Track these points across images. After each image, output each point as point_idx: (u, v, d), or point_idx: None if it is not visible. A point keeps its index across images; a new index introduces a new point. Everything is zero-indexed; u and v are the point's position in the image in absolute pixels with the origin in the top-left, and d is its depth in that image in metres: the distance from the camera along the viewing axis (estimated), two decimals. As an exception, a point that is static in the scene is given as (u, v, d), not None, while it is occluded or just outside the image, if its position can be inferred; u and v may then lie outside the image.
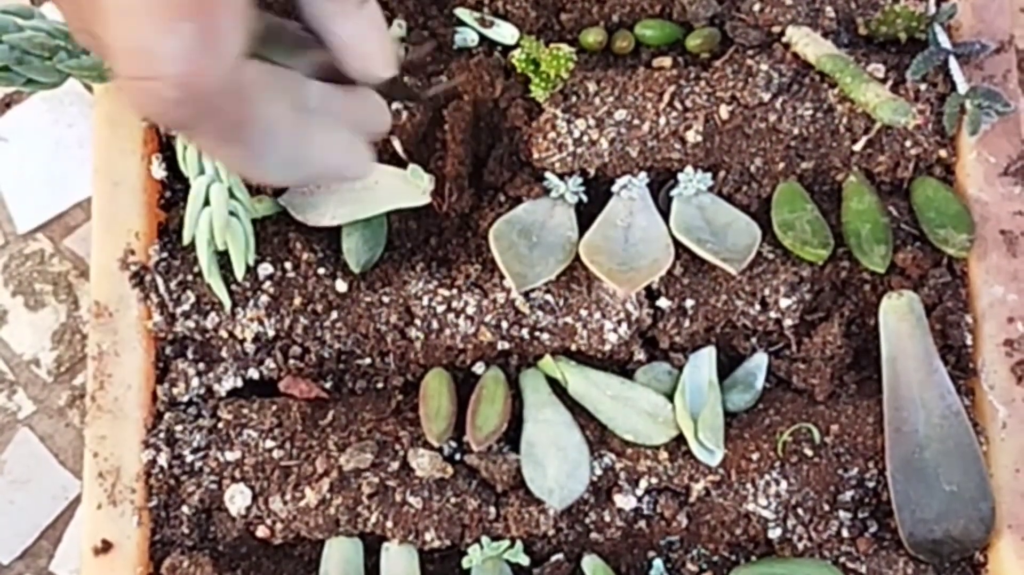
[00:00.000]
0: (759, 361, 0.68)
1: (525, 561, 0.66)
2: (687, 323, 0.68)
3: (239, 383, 0.68)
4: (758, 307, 0.67)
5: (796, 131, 0.68)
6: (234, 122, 0.40)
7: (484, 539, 0.66)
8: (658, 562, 0.67)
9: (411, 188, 0.67)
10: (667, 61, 0.71)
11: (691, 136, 0.68)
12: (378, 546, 0.66)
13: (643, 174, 0.69)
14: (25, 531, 0.77)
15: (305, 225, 0.69)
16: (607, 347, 0.67)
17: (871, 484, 0.66)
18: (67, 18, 0.41)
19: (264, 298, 0.66)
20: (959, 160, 0.70)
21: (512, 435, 0.66)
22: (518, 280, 0.65)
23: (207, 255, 0.64)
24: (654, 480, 0.66)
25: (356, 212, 0.66)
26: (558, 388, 0.68)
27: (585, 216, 0.68)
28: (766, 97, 0.68)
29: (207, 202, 0.63)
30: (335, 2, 0.45)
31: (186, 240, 0.65)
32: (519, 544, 0.66)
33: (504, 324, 0.67)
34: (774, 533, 0.66)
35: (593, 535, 0.66)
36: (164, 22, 0.36)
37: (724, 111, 0.68)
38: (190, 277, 0.67)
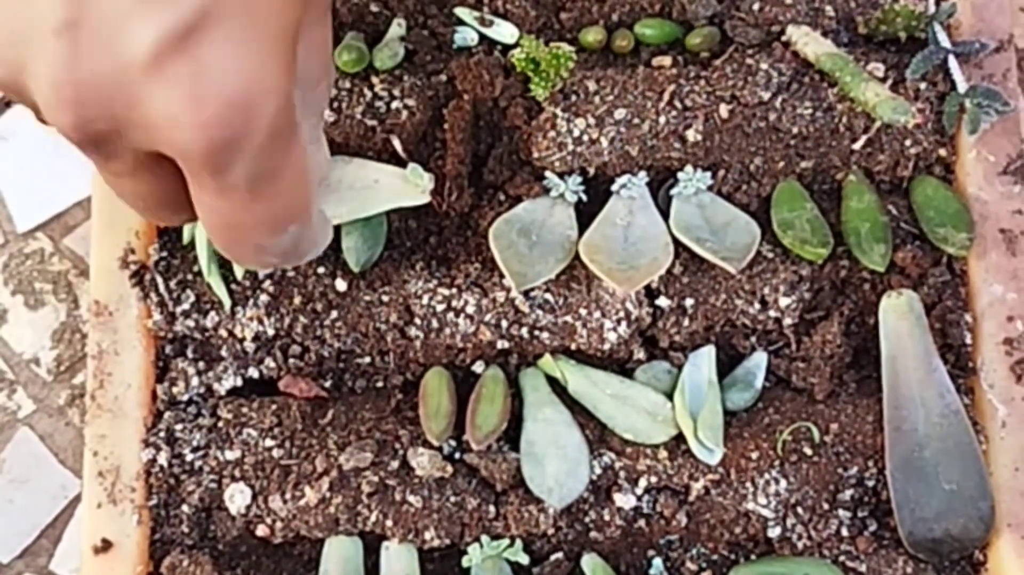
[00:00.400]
0: (759, 360, 0.68)
1: (525, 560, 0.66)
2: (687, 322, 0.68)
3: (239, 382, 0.68)
4: (758, 306, 0.67)
5: (796, 130, 0.68)
6: (311, 241, 0.46)
7: (484, 538, 0.66)
8: (657, 561, 0.67)
9: (411, 187, 0.67)
10: (667, 60, 0.71)
11: (691, 135, 0.68)
12: (378, 545, 0.66)
13: (643, 173, 0.69)
14: (25, 530, 0.77)
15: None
16: (607, 346, 0.67)
17: (871, 483, 0.66)
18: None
19: (264, 297, 0.66)
20: (959, 159, 0.70)
21: (512, 434, 0.67)
22: (518, 279, 0.65)
23: (207, 254, 0.64)
24: (653, 479, 0.66)
25: (356, 211, 0.66)
26: (558, 387, 0.68)
27: (585, 215, 0.68)
28: (766, 96, 0.68)
29: (207, 201, 0.63)
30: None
31: (186, 239, 0.65)
32: (519, 543, 0.66)
33: (504, 323, 0.67)
34: (773, 532, 0.66)
35: (593, 534, 0.66)
36: (278, 232, 0.41)
37: (724, 110, 0.68)
38: (190, 276, 0.67)
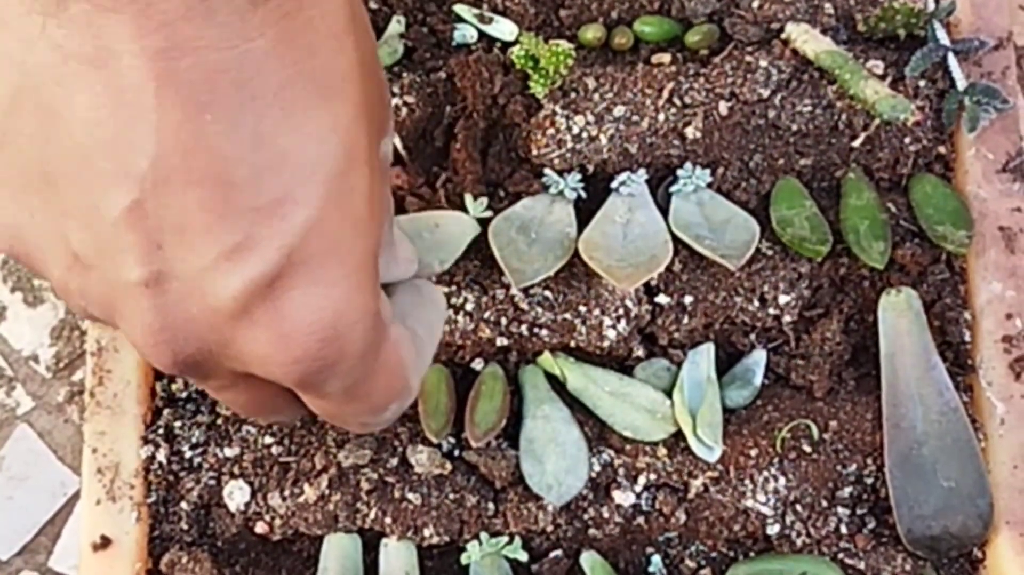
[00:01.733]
0: (758, 357, 0.68)
1: (524, 557, 0.66)
2: (686, 319, 0.68)
3: (238, 379, 0.68)
4: (757, 303, 0.67)
5: (795, 127, 0.68)
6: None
7: (483, 535, 0.66)
8: (656, 558, 0.67)
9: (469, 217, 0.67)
10: (666, 57, 0.71)
11: (690, 132, 0.68)
12: (377, 542, 0.66)
13: (642, 170, 0.69)
14: (24, 527, 0.77)
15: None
16: (606, 343, 0.67)
17: (869, 480, 0.66)
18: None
19: (263, 294, 0.66)
20: (958, 157, 0.70)
21: (511, 431, 0.67)
22: (517, 276, 0.65)
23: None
24: (653, 476, 0.66)
25: (446, 260, 0.66)
26: (557, 384, 0.68)
27: (584, 212, 0.68)
28: (765, 93, 0.68)
29: (206, 198, 0.63)
30: None
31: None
32: (518, 540, 0.66)
33: (503, 320, 0.67)
34: (772, 529, 0.66)
35: (592, 531, 0.66)
36: (377, 411, 0.43)
37: (723, 107, 0.68)
38: (189, 273, 0.67)
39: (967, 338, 0.67)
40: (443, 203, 0.69)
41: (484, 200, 0.68)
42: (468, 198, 0.68)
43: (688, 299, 0.67)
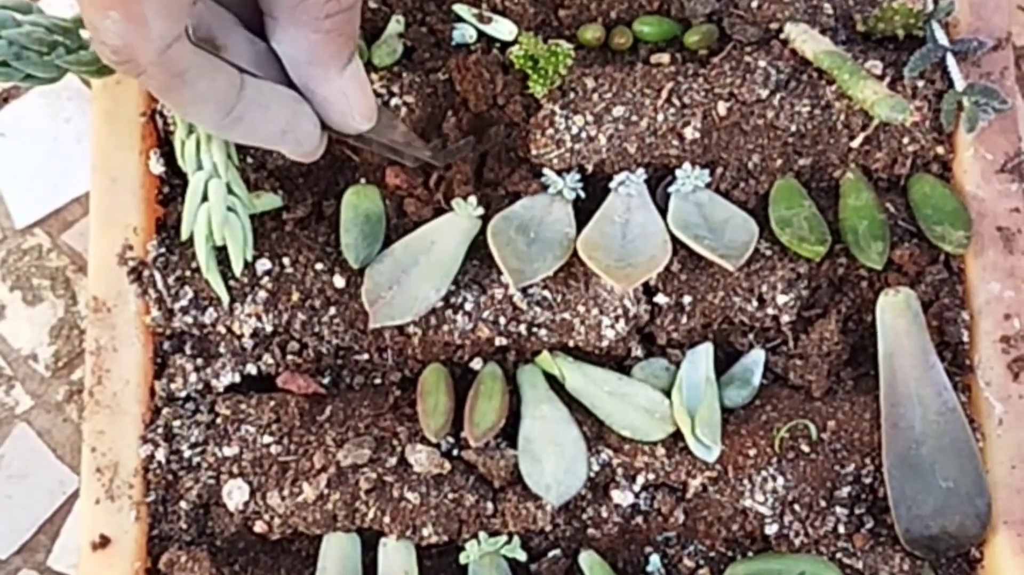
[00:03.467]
0: (756, 357, 0.69)
1: (522, 556, 0.66)
2: (684, 319, 0.68)
3: (237, 378, 0.68)
4: (755, 303, 0.67)
5: (794, 128, 0.68)
6: (164, 86, 0.51)
7: (481, 535, 0.66)
8: (655, 558, 0.68)
9: (465, 219, 0.68)
10: (665, 58, 0.71)
11: (689, 132, 0.68)
12: (376, 541, 0.66)
13: (641, 170, 0.69)
14: (23, 526, 0.77)
15: (303, 221, 0.69)
16: (604, 343, 0.67)
17: (867, 480, 0.66)
18: None
19: (262, 294, 0.66)
20: (956, 157, 0.70)
21: (510, 431, 0.67)
22: (516, 276, 0.65)
23: (205, 251, 0.64)
24: (651, 476, 0.66)
25: (446, 278, 0.67)
26: (556, 384, 0.68)
27: (583, 212, 0.68)
28: (764, 94, 0.68)
29: (205, 198, 0.63)
30: (318, 67, 0.54)
31: (184, 236, 0.65)
32: (516, 539, 0.66)
33: (502, 320, 0.67)
34: (771, 529, 0.66)
35: (590, 531, 0.66)
36: (99, 10, 0.47)
37: (722, 107, 0.68)
38: (188, 272, 0.67)
39: (965, 338, 0.67)
40: (440, 202, 0.69)
41: (473, 200, 0.68)
42: (457, 201, 0.68)
43: (687, 299, 0.67)
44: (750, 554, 0.68)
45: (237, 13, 0.55)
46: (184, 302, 0.66)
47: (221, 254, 0.65)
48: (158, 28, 0.48)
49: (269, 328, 0.67)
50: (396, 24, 0.70)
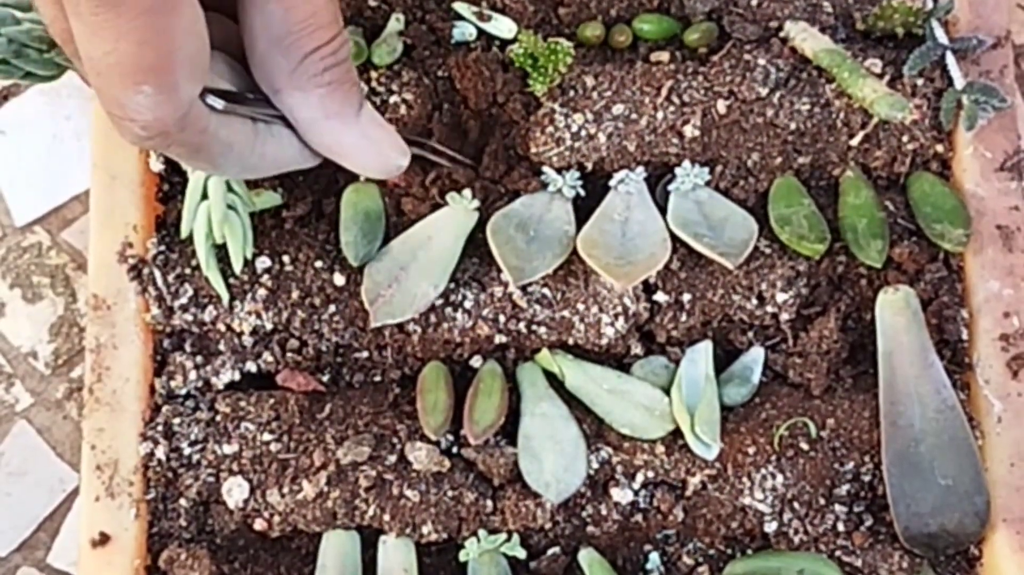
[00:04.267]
0: (756, 355, 0.69)
1: (522, 554, 0.66)
2: (684, 317, 0.68)
3: (237, 376, 0.68)
4: (755, 301, 0.67)
5: (793, 126, 0.68)
6: (194, 146, 0.51)
7: (481, 532, 0.66)
8: (654, 555, 0.68)
9: (462, 211, 0.68)
10: (665, 56, 0.71)
11: (688, 131, 0.68)
12: (375, 539, 0.66)
13: (640, 168, 0.69)
14: (23, 523, 0.77)
15: (303, 218, 0.69)
16: (604, 341, 0.67)
17: (867, 478, 0.66)
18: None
19: (262, 291, 0.66)
20: (956, 155, 0.70)
21: (509, 429, 0.67)
22: (515, 274, 0.65)
23: (205, 248, 0.64)
24: (651, 474, 0.66)
25: (446, 270, 0.67)
26: (555, 382, 0.68)
27: (582, 210, 0.68)
28: (763, 92, 0.68)
29: (205, 195, 0.63)
30: (335, 119, 0.55)
31: (184, 233, 0.65)
32: (516, 537, 0.66)
33: (501, 318, 0.67)
34: (770, 527, 0.66)
35: (590, 528, 0.66)
36: (130, 86, 0.46)
37: (722, 106, 0.68)
38: (188, 270, 0.67)
39: (964, 336, 0.67)
40: (437, 200, 0.69)
41: (468, 192, 0.68)
42: (452, 195, 0.68)
43: (686, 297, 0.67)
44: (749, 552, 0.68)
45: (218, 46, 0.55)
46: (184, 300, 0.67)
47: (221, 252, 0.65)
48: (188, 93, 0.48)
49: (269, 326, 0.67)
50: (396, 22, 0.70)
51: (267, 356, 0.68)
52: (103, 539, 0.65)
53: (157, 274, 0.67)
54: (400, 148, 0.59)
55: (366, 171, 0.60)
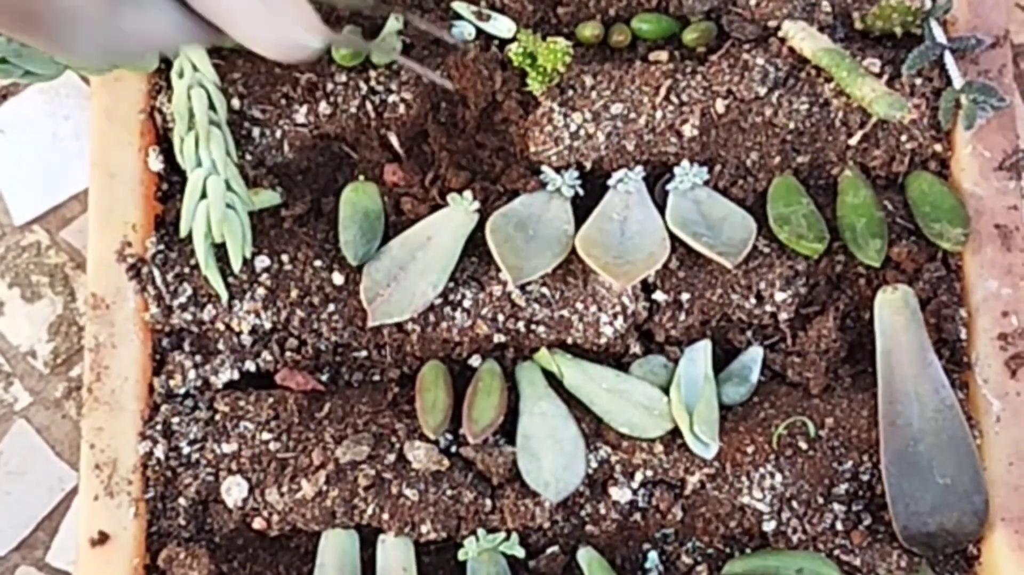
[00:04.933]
0: (754, 354, 0.69)
1: (521, 553, 0.66)
2: (683, 316, 0.68)
3: (235, 375, 0.68)
4: (753, 301, 0.67)
5: (792, 125, 0.68)
6: (29, 13, 0.43)
7: (480, 531, 0.66)
8: (653, 554, 0.68)
9: (461, 213, 0.68)
10: (663, 55, 0.71)
11: (687, 130, 0.68)
12: (374, 538, 0.66)
13: (639, 168, 0.69)
14: (22, 522, 0.77)
15: (302, 218, 0.69)
16: (603, 340, 0.67)
17: (865, 477, 0.66)
18: None
19: (261, 291, 0.66)
20: (954, 154, 0.70)
21: (508, 428, 0.67)
22: (514, 273, 0.65)
23: (204, 247, 0.64)
24: (649, 473, 0.66)
25: (446, 269, 0.67)
26: (554, 381, 0.68)
27: (581, 210, 0.68)
28: (762, 91, 0.68)
29: (204, 195, 0.63)
30: None
31: (183, 232, 0.65)
32: (515, 536, 0.66)
33: (500, 317, 0.67)
34: (769, 526, 0.66)
35: (588, 527, 0.66)
36: None
37: (720, 105, 0.68)
38: (187, 269, 0.67)
39: (963, 335, 0.67)
40: (437, 200, 0.69)
41: (469, 194, 0.68)
42: (453, 196, 0.68)
43: (685, 296, 0.67)
44: (748, 551, 0.68)
45: None
46: (183, 299, 0.67)
47: (220, 251, 0.65)
48: None
49: (268, 325, 0.67)
50: (395, 22, 0.70)
51: (266, 355, 0.68)
52: (102, 538, 0.65)
53: (156, 273, 0.67)
54: (313, 27, 0.48)
55: (258, 46, 0.48)
